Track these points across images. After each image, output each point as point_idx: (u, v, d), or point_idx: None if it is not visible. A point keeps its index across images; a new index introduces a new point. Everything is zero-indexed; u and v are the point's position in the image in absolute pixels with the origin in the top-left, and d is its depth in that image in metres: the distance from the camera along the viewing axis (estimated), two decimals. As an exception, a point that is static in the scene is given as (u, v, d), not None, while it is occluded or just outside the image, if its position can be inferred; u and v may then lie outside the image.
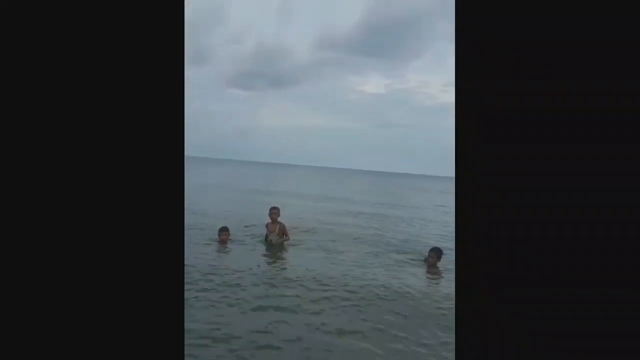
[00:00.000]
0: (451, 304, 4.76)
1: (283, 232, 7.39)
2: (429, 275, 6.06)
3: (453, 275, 5.96)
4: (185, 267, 5.15)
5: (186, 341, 2.97)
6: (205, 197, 13.73)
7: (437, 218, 13.66)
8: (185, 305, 3.54)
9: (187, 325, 3.31)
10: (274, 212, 7.34)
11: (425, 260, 6.48)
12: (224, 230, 7.08)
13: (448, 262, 6.56)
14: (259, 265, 5.78)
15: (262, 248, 6.97)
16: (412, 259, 6.86)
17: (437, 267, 6.31)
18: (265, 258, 6.38)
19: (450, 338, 3.56)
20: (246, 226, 8.51)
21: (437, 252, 6.45)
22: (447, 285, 5.63)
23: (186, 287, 4.27)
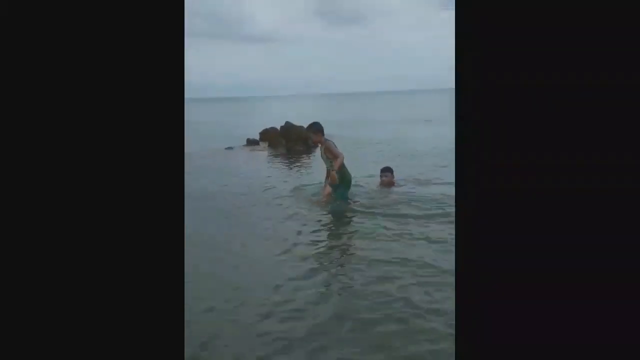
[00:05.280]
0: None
1: (331, 152, 5.71)
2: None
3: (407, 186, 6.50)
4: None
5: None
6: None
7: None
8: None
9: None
10: (313, 131, 5.86)
11: (381, 183, 6.63)
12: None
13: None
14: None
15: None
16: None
17: (394, 183, 6.60)
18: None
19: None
20: None
21: (389, 171, 6.65)
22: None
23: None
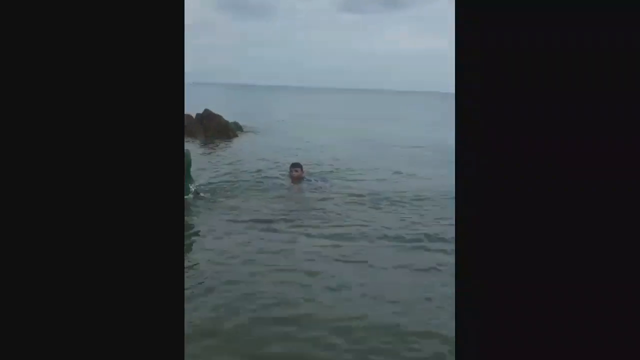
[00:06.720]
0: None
1: None
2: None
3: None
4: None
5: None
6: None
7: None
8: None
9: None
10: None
11: (292, 177, 6.95)
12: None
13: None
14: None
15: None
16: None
17: (302, 178, 6.90)
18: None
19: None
20: None
21: (299, 166, 6.98)
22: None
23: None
